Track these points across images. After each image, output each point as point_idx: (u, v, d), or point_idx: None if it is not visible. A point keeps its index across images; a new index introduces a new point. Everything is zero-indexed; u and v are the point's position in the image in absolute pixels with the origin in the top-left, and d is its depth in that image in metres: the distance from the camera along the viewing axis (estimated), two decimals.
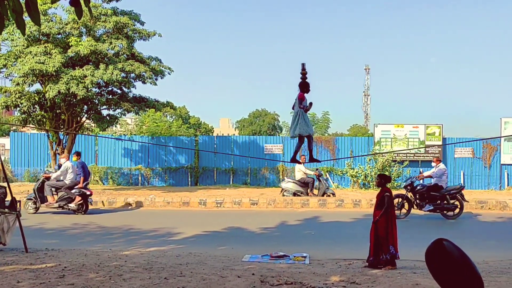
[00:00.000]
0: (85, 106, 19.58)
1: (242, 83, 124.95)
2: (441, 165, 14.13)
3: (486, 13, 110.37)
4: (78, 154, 14.67)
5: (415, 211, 13.89)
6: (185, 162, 23.93)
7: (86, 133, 21.70)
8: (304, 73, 6.75)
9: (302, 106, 6.74)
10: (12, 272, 6.42)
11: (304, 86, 6.78)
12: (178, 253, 8.37)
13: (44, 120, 19.03)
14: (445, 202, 13.50)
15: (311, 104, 6.84)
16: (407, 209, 13.65)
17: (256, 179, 23.55)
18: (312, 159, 7.53)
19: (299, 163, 7.65)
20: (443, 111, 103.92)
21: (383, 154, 22.19)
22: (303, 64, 6.75)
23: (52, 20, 18.21)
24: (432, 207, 13.45)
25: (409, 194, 13.79)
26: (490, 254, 8.63)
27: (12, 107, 18.24)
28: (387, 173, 20.26)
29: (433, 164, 14.72)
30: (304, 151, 15.65)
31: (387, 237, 7.18)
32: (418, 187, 13.75)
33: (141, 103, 20.25)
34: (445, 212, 13.56)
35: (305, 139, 7.00)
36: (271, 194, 18.00)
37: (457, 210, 13.60)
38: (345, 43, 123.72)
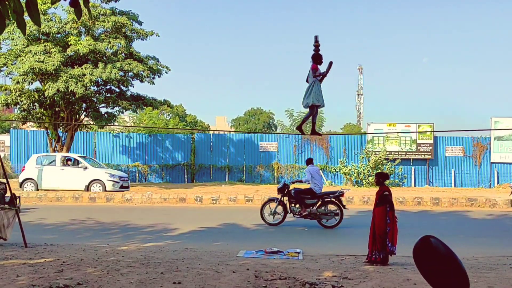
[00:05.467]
0: (84, 104, 19.72)
1: (238, 82, 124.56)
2: (309, 167, 12.17)
3: (477, 13, 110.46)
4: None
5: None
6: (182, 159, 24.07)
7: (85, 130, 21.83)
8: (317, 45, 6.93)
9: (317, 74, 6.89)
10: (12, 266, 6.52)
11: (317, 58, 6.98)
12: (174, 249, 8.48)
13: (44, 117, 19.14)
14: (323, 208, 11.66)
15: (330, 63, 6.93)
16: (281, 214, 11.92)
17: (251, 176, 23.72)
18: (314, 132, 7.66)
19: (303, 133, 7.77)
20: (434, 111, 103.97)
21: (376, 153, 22.43)
22: (316, 37, 6.94)
23: (51, 20, 18.35)
24: (306, 213, 11.62)
25: (284, 199, 12.00)
26: (479, 251, 8.77)
27: (12, 105, 18.43)
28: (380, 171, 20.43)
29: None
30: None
31: (385, 235, 7.29)
32: (292, 191, 11.88)
33: (139, 101, 20.40)
34: (322, 220, 11.67)
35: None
36: (266, 191, 18.13)
37: (335, 218, 11.63)
38: (339, 43, 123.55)
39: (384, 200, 7.42)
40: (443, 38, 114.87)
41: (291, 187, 12.06)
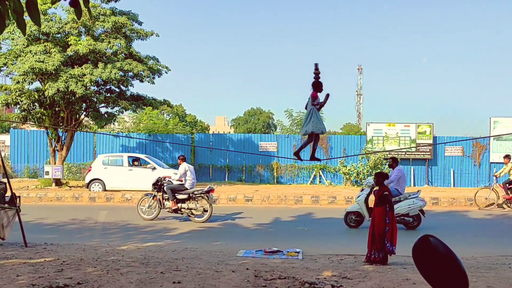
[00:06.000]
0: (84, 104, 19.70)
1: (238, 82, 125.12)
2: (184, 163, 12.57)
3: (476, 14, 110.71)
4: None
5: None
6: None
7: (84, 130, 21.84)
8: (317, 73, 6.88)
9: (315, 103, 6.88)
10: (12, 266, 6.53)
11: (317, 86, 6.89)
12: (174, 248, 8.51)
13: (44, 117, 19.16)
14: (193, 204, 12.13)
15: (327, 95, 6.91)
16: (155, 209, 12.47)
17: (251, 176, 23.73)
18: (313, 158, 7.69)
19: (300, 159, 7.77)
20: (434, 111, 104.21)
21: (375, 153, 22.44)
22: (316, 64, 6.88)
23: (51, 20, 18.32)
24: (176, 208, 12.14)
25: (158, 194, 12.45)
26: (478, 250, 8.79)
27: (12, 105, 18.43)
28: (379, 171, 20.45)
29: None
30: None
31: (384, 234, 7.30)
32: (165, 187, 12.34)
33: (139, 101, 20.40)
34: (192, 215, 12.16)
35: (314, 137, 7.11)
36: (265, 191, 18.15)
37: (204, 214, 12.10)
38: (339, 43, 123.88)
39: (383, 200, 7.45)
40: (443, 38, 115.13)
41: (165, 183, 12.49)
